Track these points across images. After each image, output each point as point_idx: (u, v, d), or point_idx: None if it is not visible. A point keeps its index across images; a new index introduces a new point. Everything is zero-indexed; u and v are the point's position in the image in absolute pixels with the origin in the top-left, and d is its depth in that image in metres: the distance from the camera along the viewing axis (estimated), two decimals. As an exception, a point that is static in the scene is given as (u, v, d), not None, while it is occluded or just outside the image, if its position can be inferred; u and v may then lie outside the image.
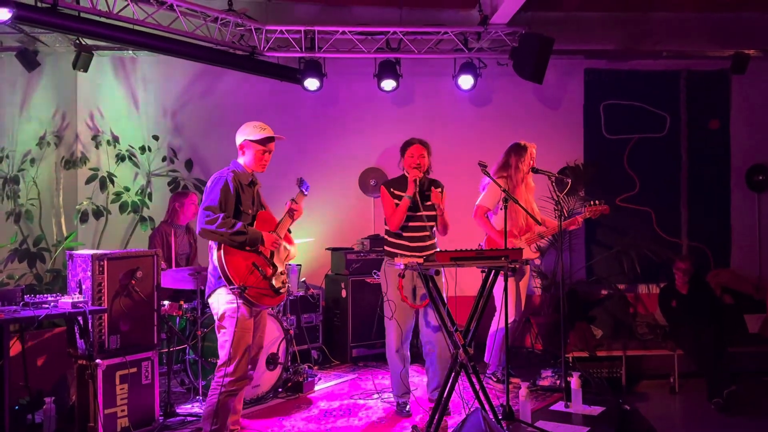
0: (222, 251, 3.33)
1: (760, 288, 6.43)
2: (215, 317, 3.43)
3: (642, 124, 6.73)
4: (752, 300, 6.20)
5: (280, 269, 3.51)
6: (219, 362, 3.38)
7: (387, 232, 4.36)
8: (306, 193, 3.79)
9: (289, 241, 3.68)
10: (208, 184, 3.47)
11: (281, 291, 3.50)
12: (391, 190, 4.26)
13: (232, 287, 3.30)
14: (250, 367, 3.48)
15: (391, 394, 4.45)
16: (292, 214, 3.65)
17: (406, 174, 4.24)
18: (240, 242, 3.32)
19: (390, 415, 4.31)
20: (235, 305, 3.33)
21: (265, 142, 3.50)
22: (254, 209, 3.53)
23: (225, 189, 3.38)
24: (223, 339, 3.37)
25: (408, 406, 4.30)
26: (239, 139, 3.53)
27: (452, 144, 6.34)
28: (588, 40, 6.47)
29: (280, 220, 3.63)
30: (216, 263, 3.36)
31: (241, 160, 3.55)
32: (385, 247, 4.36)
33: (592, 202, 4.79)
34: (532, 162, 4.80)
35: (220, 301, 3.38)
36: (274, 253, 3.52)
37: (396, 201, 4.22)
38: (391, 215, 4.24)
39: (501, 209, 4.40)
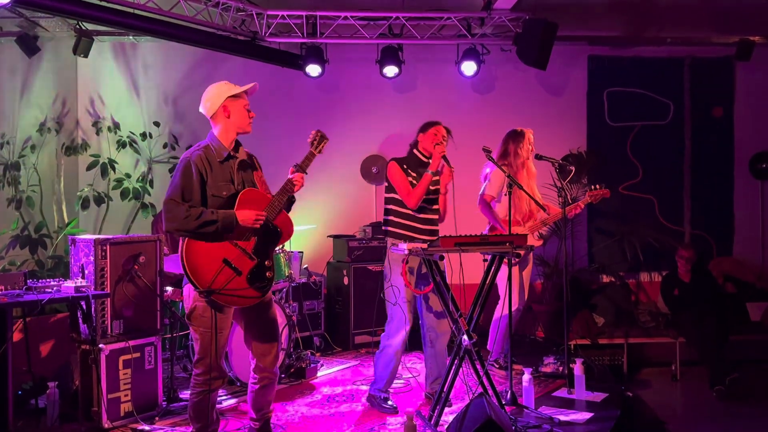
0: (185, 247, 2.92)
1: (762, 276, 6.43)
2: (185, 310, 3.10)
3: (645, 111, 6.70)
4: (754, 288, 6.21)
5: (265, 260, 3.06)
6: (194, 359, 3.14)
7: (393, 212, 4.08)
8: (316, 152, 3.21)
9: (284, 222, 3.18)
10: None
11: (267, 287, 3.06)
12: (404, 167, 4.04)
13: (197, 290, 2.93)
14: (265, 364, 3.19)
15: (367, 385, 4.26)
16: (289, 187, 3.13)
17: (419, 154, 4.09)
18: (212, 233, 2.92)
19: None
20: (203, 304, 2.99)
21: (244, 93, 3.14)
22: (234, 188, 3.07)
23: (186, 174, 2.97)
24: (194, 336, 3.08)
25: (391, 401, 4.10)
26: (216, 104, 3.08)
27: (455, 131, 6.20)
28: (592, 26, 6.43)
29: (274, 196, 3.14)
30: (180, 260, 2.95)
31: (219, 132, 3.11)
32: (391, 229, 4.07)
33: (593, 186, 4.79)
34: (531, 147, 4.78)
35: (190, 296, 3.03)
36: (259, 240, 3.07)
37: (409, 179, 4.01)
38: (410, 192, 3.95)
39: (505, 195, 4.38)
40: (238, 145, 3.21)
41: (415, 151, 4.13)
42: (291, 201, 3.25)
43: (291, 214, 3.29)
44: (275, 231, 3.13)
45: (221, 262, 2.96)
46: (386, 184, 4.15)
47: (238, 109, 3.12)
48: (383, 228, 4.17)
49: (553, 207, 4.84)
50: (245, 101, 3.16)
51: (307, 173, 3.21)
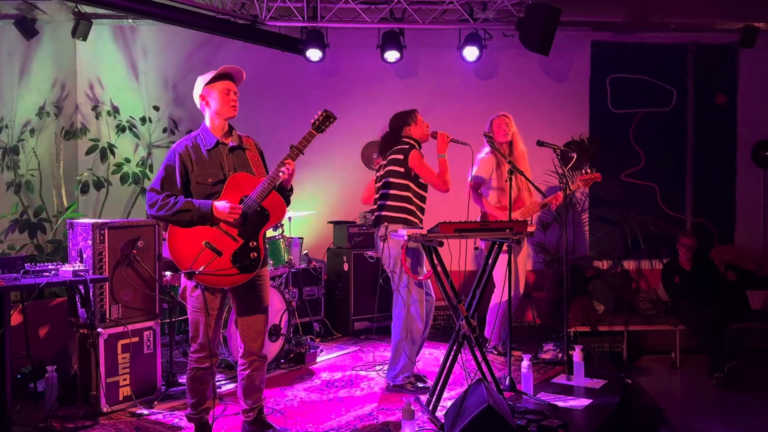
0: (168, 233, 3.04)
1: (763, 265, 6.42)
2: (179, 290, 3.25)
3: (648, 98, 6.64)
4: (755, 277, 6.20)
5: (250, 242, 3.08)
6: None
7: (408, 199, 4.07)
8: (316, 132, 3.24)
9: (274, 204, 3.12)
10: None
11: (251, 266, 3.07)
12: (422, 154, 4.15)
13: (182, 272, 3.01)
14: (253, 347, 3.23)
15: (390, 372, 4.23)
16: (276, 177, 3.05)
17: (409, 139, 4.18)
18: (187, 221, 3.00)
19: (392, 386, 4.32)
20: (192, 284, 3.09)
21: (219, 78, 3.13)
22: (224, 173, 3.10)
23: (169, 166, 3.09)
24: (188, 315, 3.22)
25: (422, 378, 4.20)
26: (197, 96, 3.17)
27: (456, 117, 6.25)
28: (595, 11, 6.35)
29: (262, 181, 3.09)
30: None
31: (208, 121, 3.19)
32: (408, 217, 4.06)
33: (584, 171, 4.76)
34: (506, 129, 4.75)
35: (183, 277, 3.14)
36: (244, 223, 3.06)
37: None
38: (444, 177, 4.04)
39: (506, 179, 4.33)
40: (230, 129, 3.24)
41: (405, 138, 4.19)
42: (283, 190, 3.19)
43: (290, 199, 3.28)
44: (263, 213, 3.12)
45: (201, 244, 3.03)
46: (400, 169, 4.11)
47: (216, 96, 3.14)
48: (396, 215, 4.08)
49: (535, 199, 4.82)
50: (224, 85, 3.15)
51: (303, 153, 3.17)
